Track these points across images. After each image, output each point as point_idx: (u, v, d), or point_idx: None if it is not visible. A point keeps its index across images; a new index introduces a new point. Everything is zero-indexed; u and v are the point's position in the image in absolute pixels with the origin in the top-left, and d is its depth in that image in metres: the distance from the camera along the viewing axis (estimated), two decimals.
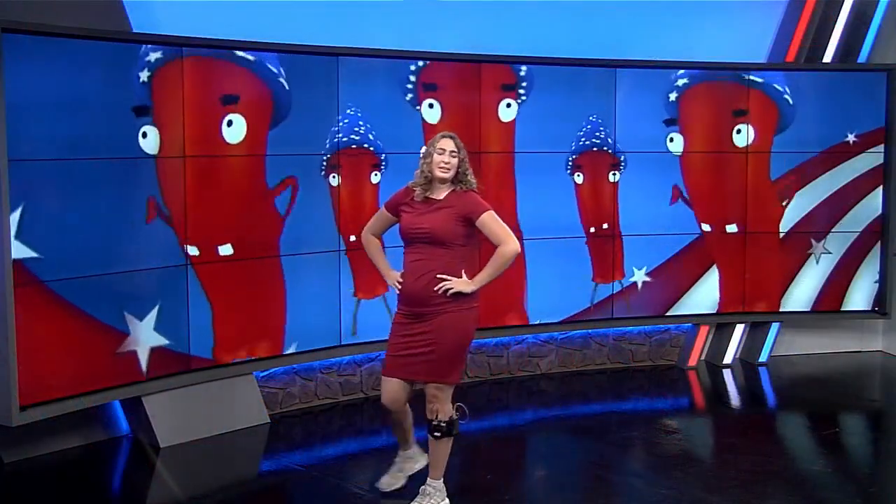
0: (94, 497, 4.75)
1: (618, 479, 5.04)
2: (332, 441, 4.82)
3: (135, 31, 5.20)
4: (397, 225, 4.37)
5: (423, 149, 4.29)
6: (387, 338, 4.40)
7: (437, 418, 4.25)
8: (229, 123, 5.42)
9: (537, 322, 6.65)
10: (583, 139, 6.61)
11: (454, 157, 4.19)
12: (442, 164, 4.17)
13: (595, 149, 6.63)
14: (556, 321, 6.70)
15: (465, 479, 4.90)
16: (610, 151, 6.66)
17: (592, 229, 6.69)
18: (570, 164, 6.60)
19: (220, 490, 4.85)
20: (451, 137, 4.23)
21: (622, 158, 6.69)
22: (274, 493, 4.92)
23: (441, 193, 4.24)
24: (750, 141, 6.87)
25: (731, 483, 4.74)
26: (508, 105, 6.38)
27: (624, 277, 6.80)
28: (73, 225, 4.87)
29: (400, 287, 4.30)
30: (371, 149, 5.96)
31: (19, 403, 4.68)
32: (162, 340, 5.26)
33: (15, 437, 4.90)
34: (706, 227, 6.92)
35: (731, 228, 6.94)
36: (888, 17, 7.10)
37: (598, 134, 6.62)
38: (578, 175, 6.62)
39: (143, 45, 5.07)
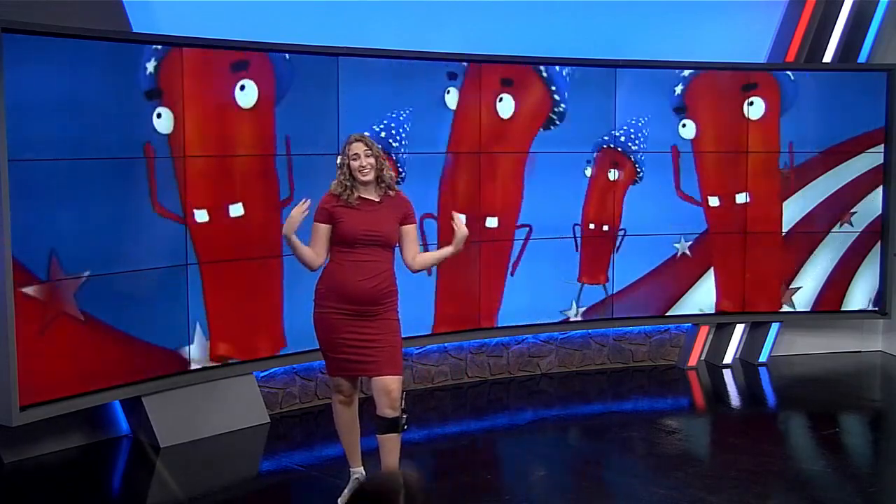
0: (94, 497, 4.76)
1: (618, 479, 5.05)
2: (332, 441, 4.80)
3: (135, 31, 5.20)
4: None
5: (339, 159, 4.26)
6: None
7: (400, 410, 4.20)
8: (241, 88, 5.44)
9: (536, 322, 6.65)
10: (605, 137, 6.64)
11: (369, 156, 4.19)
12: (362, 169, 4.17)
13: (605, 147, 6.67)
14: (555, 321, 6.70)
15: (466, 479, 4.91)
16: (621, 150, 6.68)
17: (591, 225, 6.71)
18: (586, 161, 6.63)
19: (220, 490, 4.85)
20: (359, 140, 4.23)
21: (638, 166, 6.70)
22: (274, 493, 4.92)
23: (374, 194, 4.24)
24: (761, 114, 6.87)
25: (731, 483, 4.74)
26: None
27: (609, 282, 6.79)
28: (79, 225, 4.89)
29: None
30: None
31: (19, 403, 4.68)
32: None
33: (15, 437, 4.90)
34: (714, 202, 6.89)
35: (742, 198, 6.92)
36: (888, 17, 7.10)
37: (617, 135, 6.67)
38: (588, 170, 6.64)
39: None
